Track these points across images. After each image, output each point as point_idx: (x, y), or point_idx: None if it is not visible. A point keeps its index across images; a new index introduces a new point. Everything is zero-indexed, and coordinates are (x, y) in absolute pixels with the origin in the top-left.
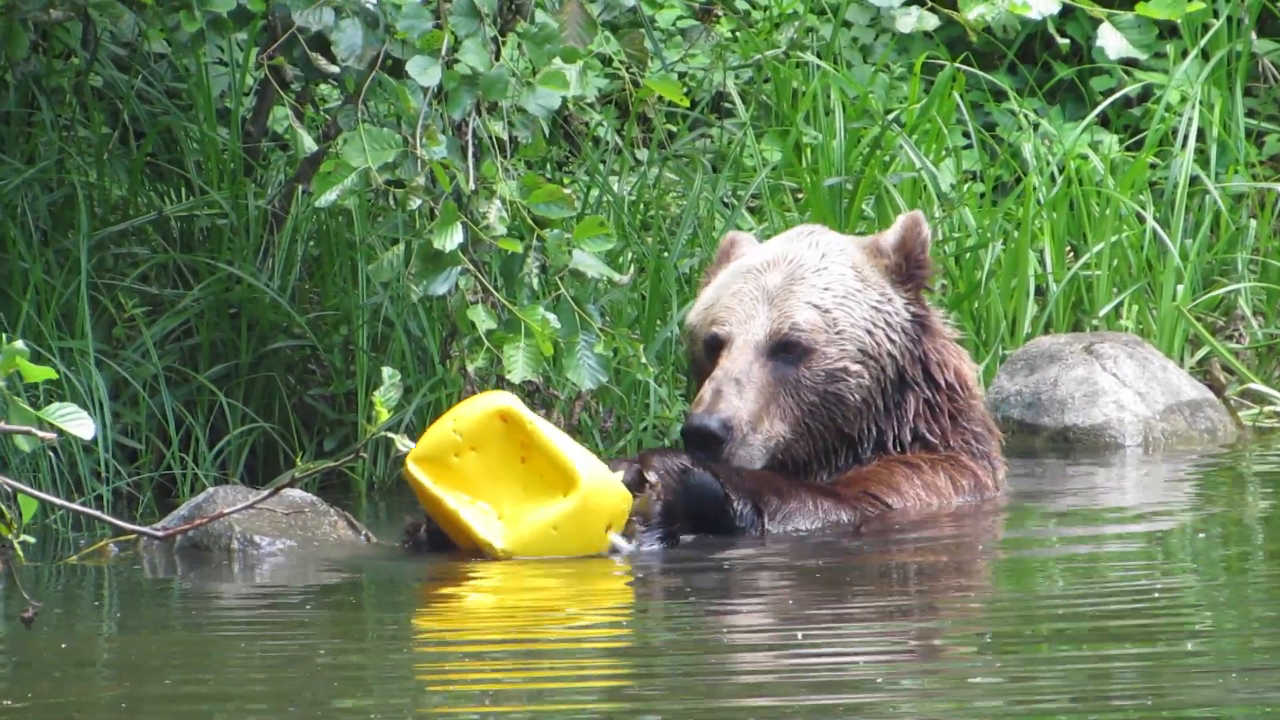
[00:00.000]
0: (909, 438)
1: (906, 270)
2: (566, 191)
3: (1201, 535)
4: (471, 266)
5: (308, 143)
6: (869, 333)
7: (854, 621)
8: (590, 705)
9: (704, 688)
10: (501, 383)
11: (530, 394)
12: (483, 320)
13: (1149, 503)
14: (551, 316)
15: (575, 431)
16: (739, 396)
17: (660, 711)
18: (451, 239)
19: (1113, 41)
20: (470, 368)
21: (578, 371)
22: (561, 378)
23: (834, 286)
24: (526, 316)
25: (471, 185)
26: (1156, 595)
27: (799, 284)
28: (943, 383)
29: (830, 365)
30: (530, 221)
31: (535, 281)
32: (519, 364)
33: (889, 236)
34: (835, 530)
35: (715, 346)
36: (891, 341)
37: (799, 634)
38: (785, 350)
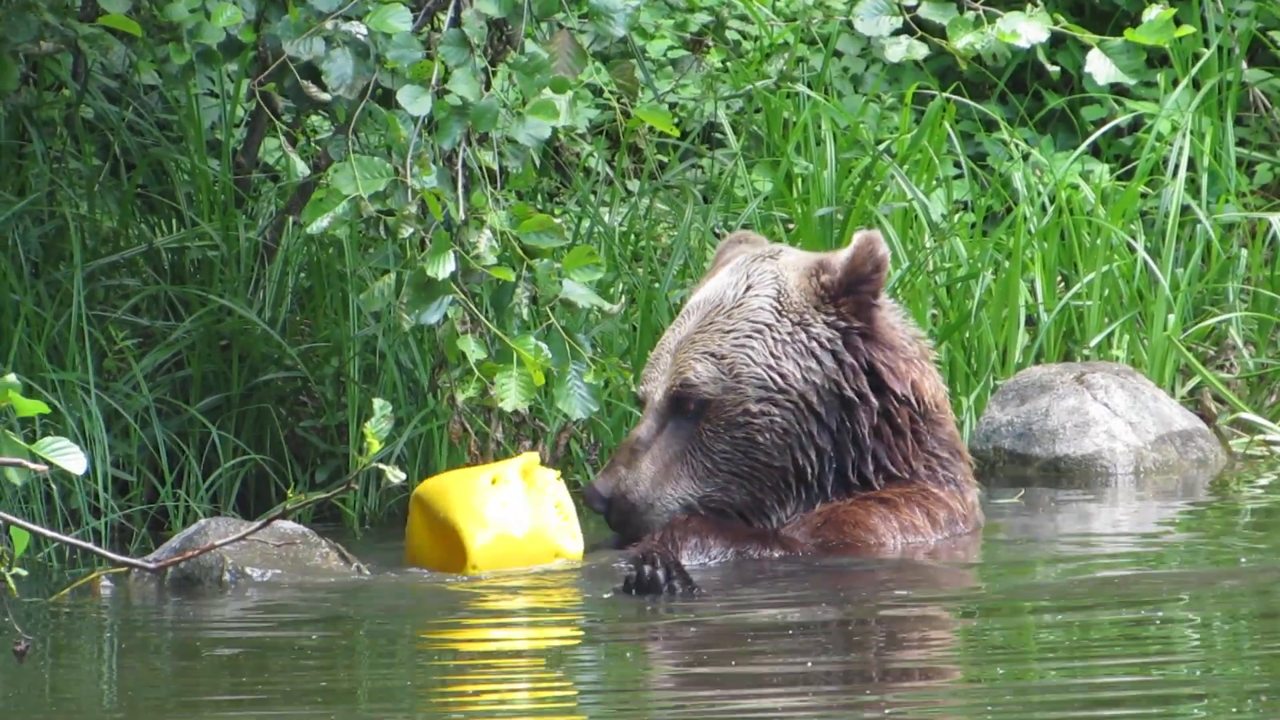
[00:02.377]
0: (870, 466)
1: (846, 285)
2: (557, 221)
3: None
4: (462, 296)
5: (300, 167)
6: (771, 368)
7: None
8: None
9: None
10: (488, 413)
11: (518, 424)
12: (472, 350)
13: (1142, 538)
14: (543, 345)
15: (565, 463)
16: (628, 466)
17: None
18: (444, 267)
19: (1101, 67)
20: (460, 398)
21: (569, 401)
22: (552, 408)
23: (739, 328)
24: (518, 345)
25: (462, 215)
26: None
27: (704, 332)
28: (898, 391)
29: (730, 414)
30: (520, 251)
31: (525, 311)
32: (511, 392)
33: (841, 253)
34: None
35: (640, 404)
36: (808, 369)
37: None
38: (681, 409)
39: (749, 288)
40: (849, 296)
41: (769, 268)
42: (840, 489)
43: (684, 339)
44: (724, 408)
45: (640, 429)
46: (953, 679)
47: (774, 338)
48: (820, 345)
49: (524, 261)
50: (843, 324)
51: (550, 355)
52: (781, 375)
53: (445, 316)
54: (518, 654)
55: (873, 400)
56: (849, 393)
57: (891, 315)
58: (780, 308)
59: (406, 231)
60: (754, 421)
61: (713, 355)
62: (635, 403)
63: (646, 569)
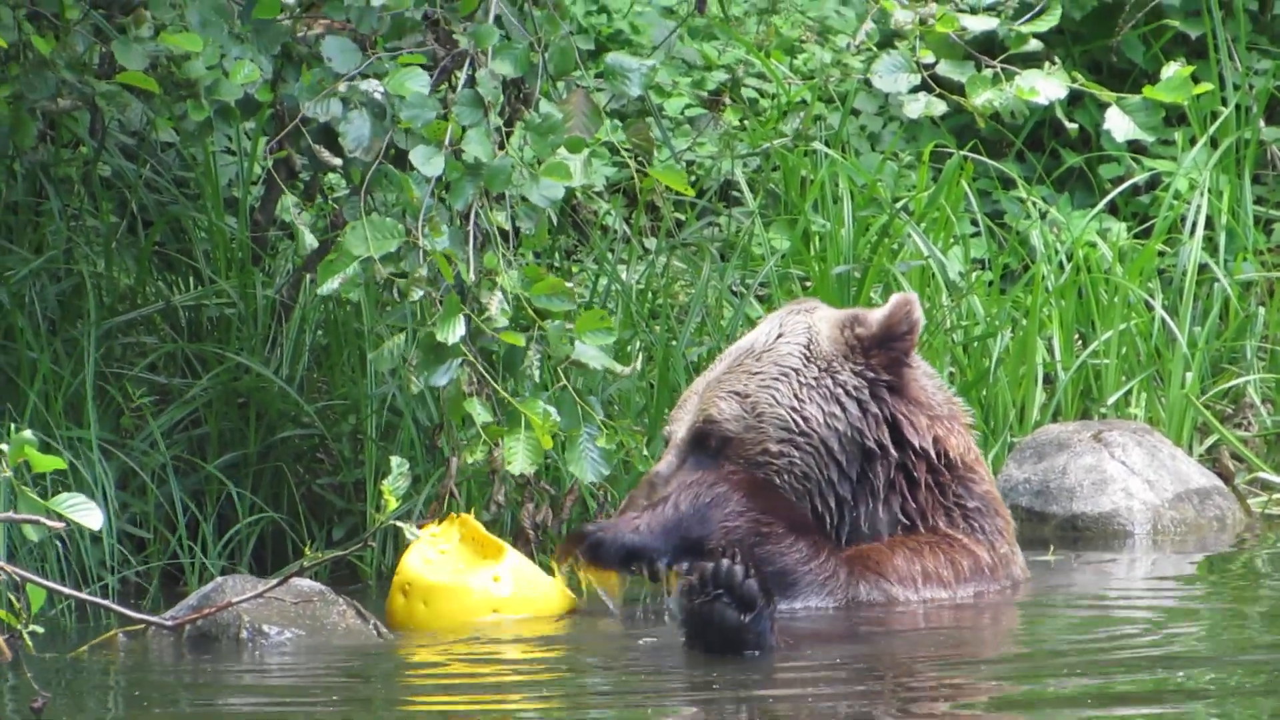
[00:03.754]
0: (884, 518)
1: (879, 340)
2: (569, 285)
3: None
4: (471, 358)
5: (309, 240)
6: (794, 410)
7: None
8: None
9: None
10: (491, 474)
11: (521, 486)
12: (478, 413)
13: (1160, 602)
14: (551, 409)
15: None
16: (648, 499)
17: None
18: (454, 331)
19: (1120, 124)
20: (468, 460)
21: (580, 464)
22: (565, 470)
23: (766, 370)
24: (526, 409)
25: (473, 276)
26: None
27: (731, 373)
28: (916, 445)
29: (749, 451)
30: (532, 313)
31: (537, 373)
32: (519, 456)
33: (877, 311)
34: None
35: (665, 443)
36: (833, 415)
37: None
38: (703, 445)
39: (780, 335)
40: (881, 351)
41: (802, 319)
42: (855, 541)
43: (712, 380)
44: (745, 445)
45: (660, 464)
46: None
47: (800, 381)
48: (845, 393)
49: (535, 324)
50: (870, 374)
51: (559, 419)
52: (804, 418)
53: (452, 379)
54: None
55: (892, 453)
56: (870, 443)
57: (924, 377)
58: (809, 355)
59: (417, 294)
60: (774, 462)
61: (738, 394)
62: (663, 443)
63: (724, 561)
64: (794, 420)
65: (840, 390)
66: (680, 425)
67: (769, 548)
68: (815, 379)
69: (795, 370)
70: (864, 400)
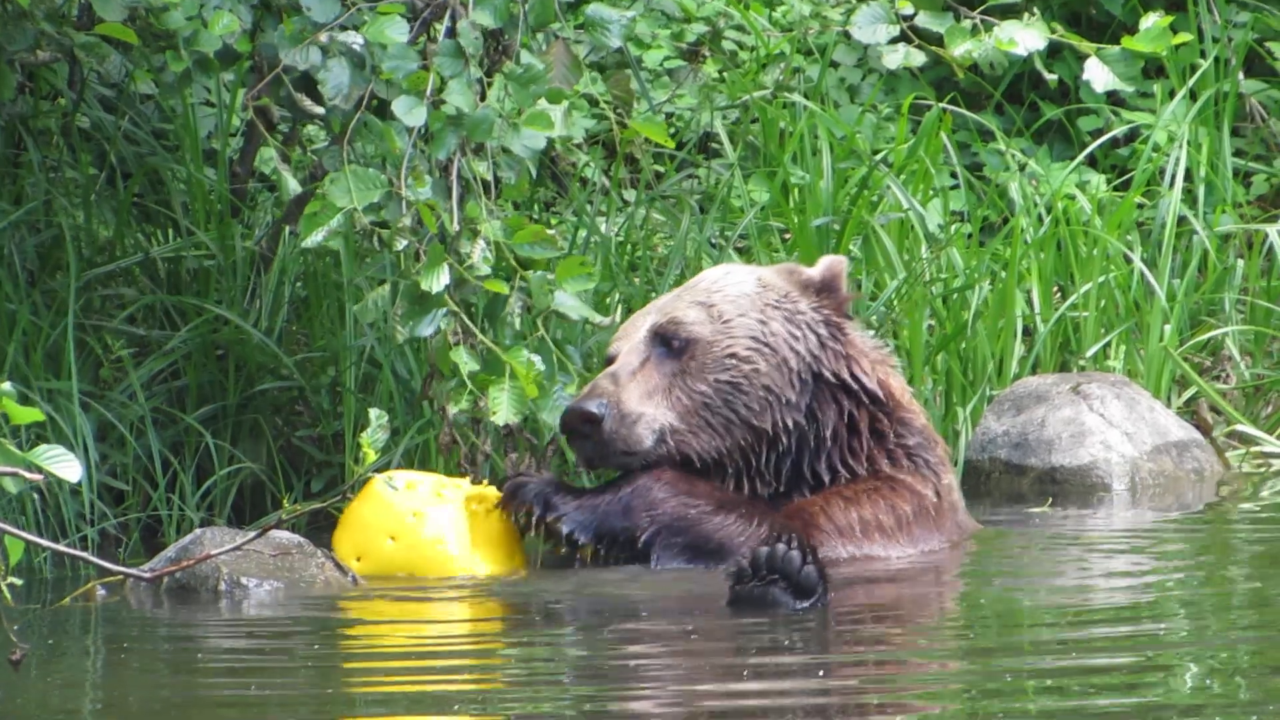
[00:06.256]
0: (823, 463)
1: (823, 287)
2: (551, 232)
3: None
4: (455, 308)
5: (293, 185)
6: (761, 322)
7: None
8: None
9: None
10: (477, 423)
11: (506, 436)
12: (465, 362)
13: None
14: (536, 358)
15: (560, 474)
16: (614, 384)
17: None
18: (439, 280)
19: (1099, 75)
20: (452, 410)
21: (553, 413)
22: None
23: (726, 289)
24: (510, 358)
25: (456, 226)
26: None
27: (688, 291)
28: (869, 387)
29: (717, 353)
30: (514, 262)
31: (518, 322)
32: (503, 406)
33: (814, 267)
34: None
35: (608, 365)
36: (793, 336)
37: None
38: (666, 344)
39: (728, 273)
40: (829, 297)
41: (744, 266)
42: (795, 481)
43: (664, 301)
44: (712, 347)
45: (616, 364)
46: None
47: (764, 301)
48: (807, 323)
49: (517, 273)
50: (825, 311)
51: (543, 368)
52: (771, 333)
53: (438, 329)
54: (513, 656)
55: (851, 388)
56: (826, 373)
57: (858, 326)
58: (764, 287)
59: (401, 244)
60: (741, 366)
61: (702, 304)
62: (606, 363)
63: (780, 546)
64: (761, 331)
65: (801, 318)
66: (625, 342)
67: (702, 528)
68: (776, 302)
69: (757, 294)
70: (821, 334)
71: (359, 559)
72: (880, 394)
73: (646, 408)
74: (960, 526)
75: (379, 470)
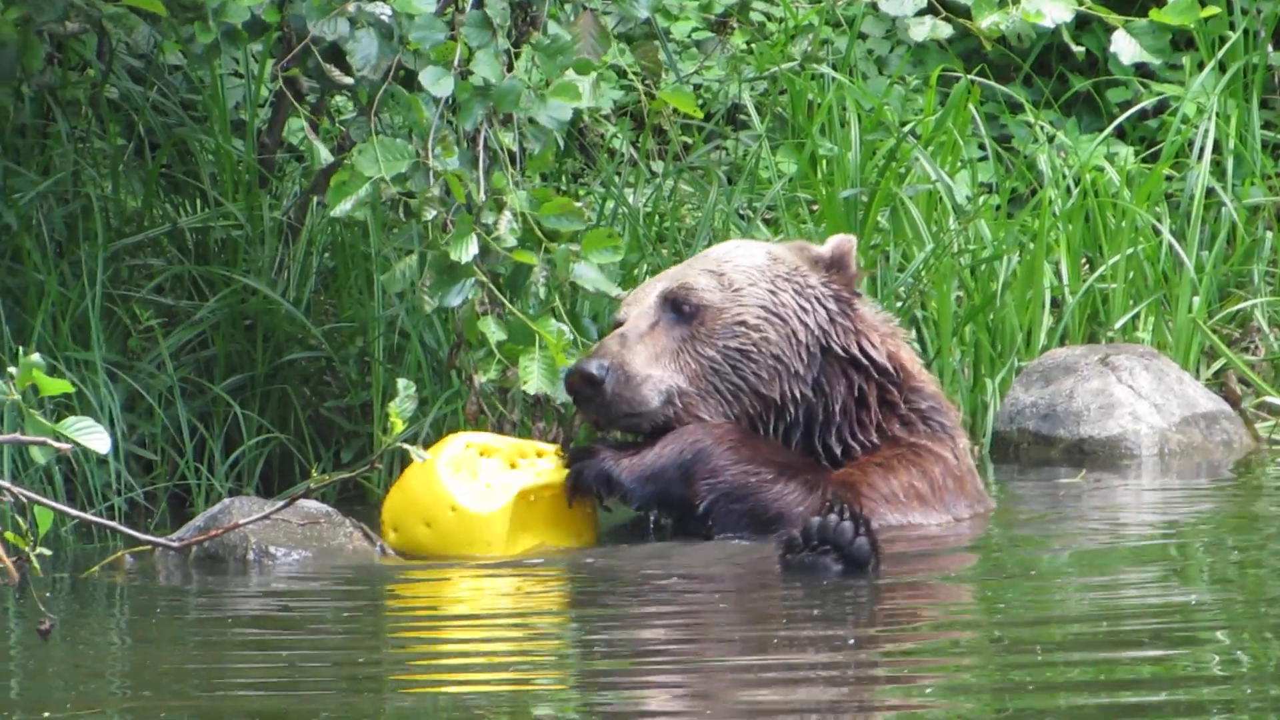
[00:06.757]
0: (833, 436)
1: (833, 263)
2: (578, 205)
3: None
4: (484, 278)
5: (323, 154)
6: (772, 293)
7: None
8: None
9: None
10: (504, 393)
11: (533, 405)
12: (493, 332)
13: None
14: (565, 328)
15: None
16: (621, 345)
17: None
18: (467, 251)
19: (1126, 47)
20: (480, 379)
21: (557, 386)
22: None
23: (737, 260)
24: (540, 328)
25: (482, 196)
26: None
27: (699, 260)
28: (878, 360)
29: (727, 319)
30: (540, 234)
31: (542, 291)
32: (534, 375)
33: (823, 245)
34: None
35: (617, 328)
36: (802, 308)
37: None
38: (676, 309)
39: (739, 246)
40: (838, 273)
41: (754, 241)
42: (805, 455)
43: (675, 270)
44: (722, 313)
45: (625, 326)
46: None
47: (774, 273)
48: (817, 297)
49: (543, 245)
50: (835, 286)
51: (572, 337)
52: (781, 303)
53: (466, 299)
54: (534, 629)
55: (862, 362)
56: (836, 347)
57: (867, 301)
58: (774, 259)
59: (429, 214)
60: (750, 334)
61: (712, 273)
62: (613, 327)
63: (832, 518)
64: (771, 301)
65: (811, 292)
66: (634, 307)
67: (763, 496)
68: (787, 275)
69: (767, 265)
70: (830, 309)
71: (395, 530)
72: (890, 366)
73: (654, 369)
74: (979, 491)
75: (408, 440)
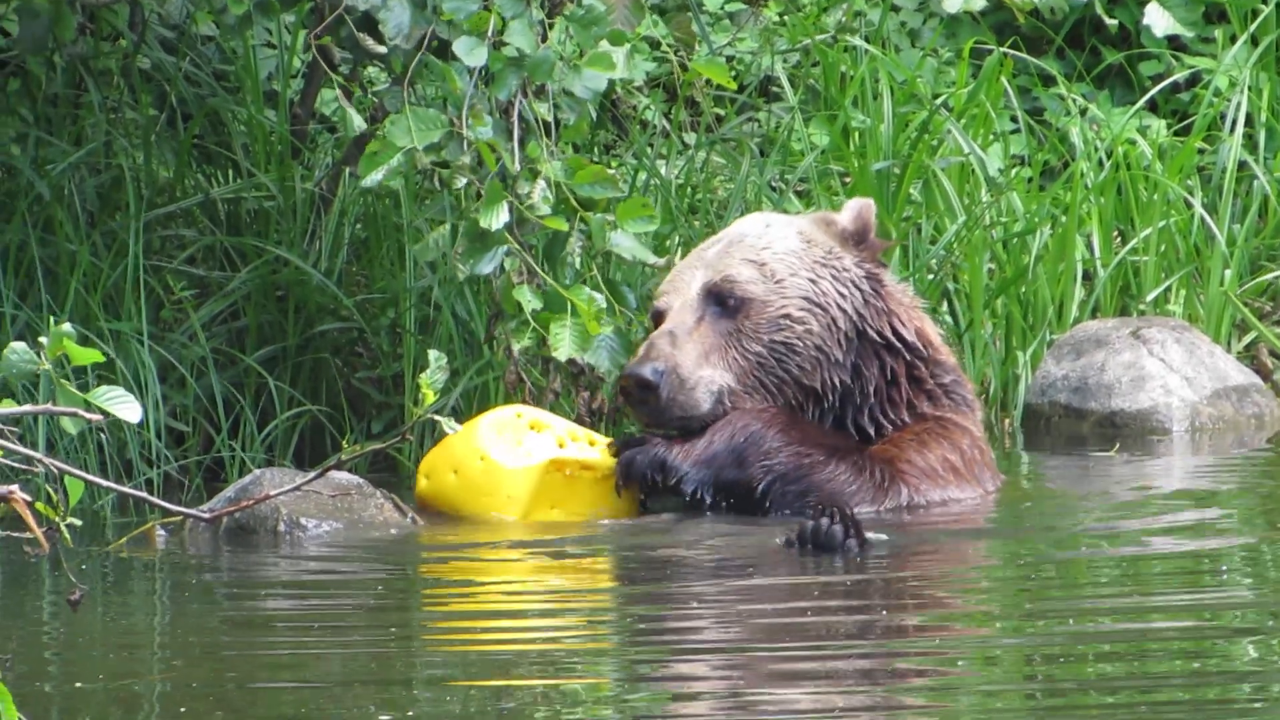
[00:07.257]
0: (866, 416)
1: (857, 236)
2: (611, 172)
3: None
4: (518, 246)
5: (357, 122)
6: (812, 282)
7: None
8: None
9: None
10: (545, 363)
11: (575, 375)
12: (529, 300)
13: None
14: (598, 295)
15: (621, 414)
16: (672, 345)
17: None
18: (498, 218)
19: (1159, 20)
20: (516, 348)
21: (597, 353)
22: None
23: (774, 245)
24: (572, 295)
25: (517, 166)
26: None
27: (736, 247)
28: (909, 340)
29: (772, 313)
30: (575, 203)
31: (578, 261)
32: (565, 342)
33: (843, 213)
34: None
35: (657, 319)
36: (841, 295)
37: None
38: (721, 303)
39: (769, 225)
40: (865, 245)
41: (784, 216)
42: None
43: (715, 255)
44: (766, 307)
45: (671, 323)
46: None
47: (812, 259)
48: (853, 280)
49: (578, 214)
50: (868, 265)
51: (604, 305)
52: (822, 292)
53: (502, 268)
54: (566, 602)
55: (895, 345)
56: (870, 330)
57: (890, 276)
58: (808, 241)
59: (461, 182)
60: (794, 327)
61: (753, 262)
62: (653, 323)
63: (824, 522)
64: (813, 291)
65: (846, 275)
66: (676, 297)
67: (816, 477)
68: (823, 259)
69: (802, 249)
70: (865, 291)
71: (426, 477)
72: (919, 344)
73: (704, 370)
74: (993, 461)
75: (438, 412)
